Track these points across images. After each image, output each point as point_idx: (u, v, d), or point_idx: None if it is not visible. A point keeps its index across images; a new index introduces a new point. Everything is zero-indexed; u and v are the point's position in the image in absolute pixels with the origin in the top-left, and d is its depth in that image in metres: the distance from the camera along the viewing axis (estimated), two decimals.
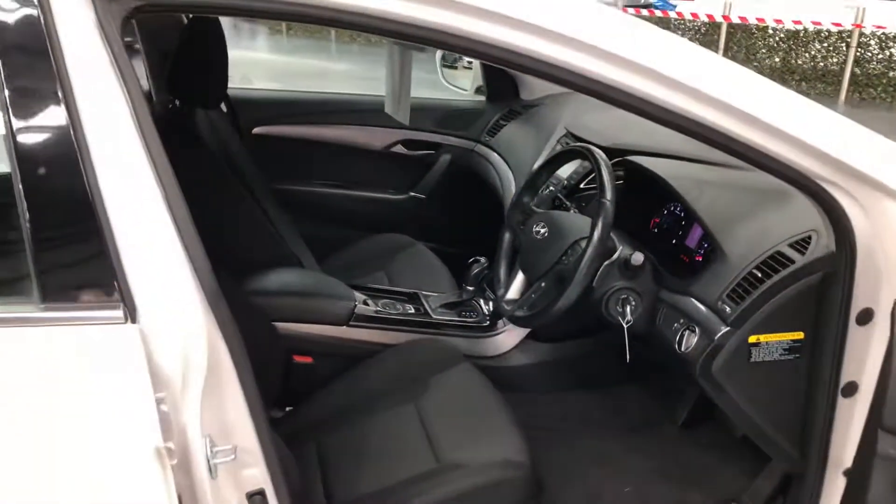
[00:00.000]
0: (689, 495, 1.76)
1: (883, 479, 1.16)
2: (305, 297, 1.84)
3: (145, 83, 2.39)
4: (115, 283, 0.90)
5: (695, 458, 1.89)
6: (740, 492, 1.72)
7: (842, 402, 1.27)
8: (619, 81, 1.03)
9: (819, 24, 9.23)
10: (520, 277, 1.66)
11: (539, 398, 2.04)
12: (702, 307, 1.40)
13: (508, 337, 1.98)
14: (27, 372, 0.88)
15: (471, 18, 0.98)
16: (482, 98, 2.76)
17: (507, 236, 1.76)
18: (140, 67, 2.38)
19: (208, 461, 0.97)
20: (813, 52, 9.47)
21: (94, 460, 0.89)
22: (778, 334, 1.31)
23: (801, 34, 9.52)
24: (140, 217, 0.92)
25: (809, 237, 1.31)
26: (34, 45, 0.88)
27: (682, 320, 1.43)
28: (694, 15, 10.36)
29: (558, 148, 2.04)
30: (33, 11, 0.88)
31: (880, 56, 9.04)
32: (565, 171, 1.90)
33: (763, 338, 1.31)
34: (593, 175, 1.84)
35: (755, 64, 9.93)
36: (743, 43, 10.10)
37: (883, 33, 8.93)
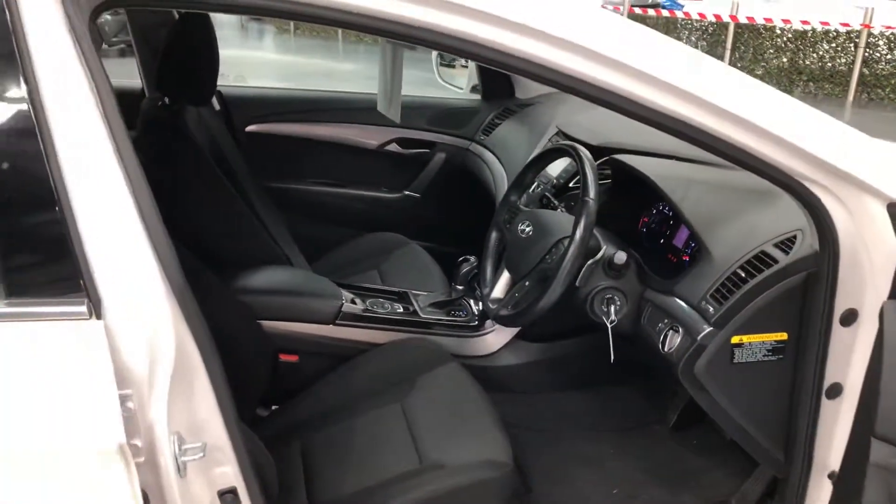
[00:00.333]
0: (678, 498, 1.74)
1: (878, 488, 1.14)
2: (292, 295, 1.83)
3: (138, 81, 2.40)
4: (80, 279, 0.90)
5: (685, 461, 1.87)
6: (730, 494, 1.70)
7: (826, 404, 1.26)
8: (605, 81, 1.02)
9: (827, 24, 9.17)
10: (505, 276, 1.65)
11: (528, 398, 2.03)
12: (686, 307, 1.39)
13: (497, 337, 1.96)
14: None
15: (466, 19, 0.97)
16: (477, 97, 2.75)
17: (493, 235, 1.74)
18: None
19: (176, 459, 0.96)
20: (821, 53, 9.40)
21: (55, 459, 0.88)
22: (761, 335, 1.30)
23: (810, 34, 9.46)
24: (105, 211, 0.91)
25: (795, 237, 1.30)
26: None
27: (666, 320, 1.42)
28: (701, 15, 10.31)
29: (549, 147, 2.02)
30: None
31: (889, 56, 8.96)
32: (555, 170, 1.89)
33: (746, 338, 1.30)
34: None
35: (763, 64, 9.88)
36: (750, 43, 10.03)
37: (892, 33, 8.85)
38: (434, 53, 2.88)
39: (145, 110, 1.92)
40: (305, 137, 2.60)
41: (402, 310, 1.95)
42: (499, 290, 1.64)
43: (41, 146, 0.88)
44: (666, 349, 1.38)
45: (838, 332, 1.20)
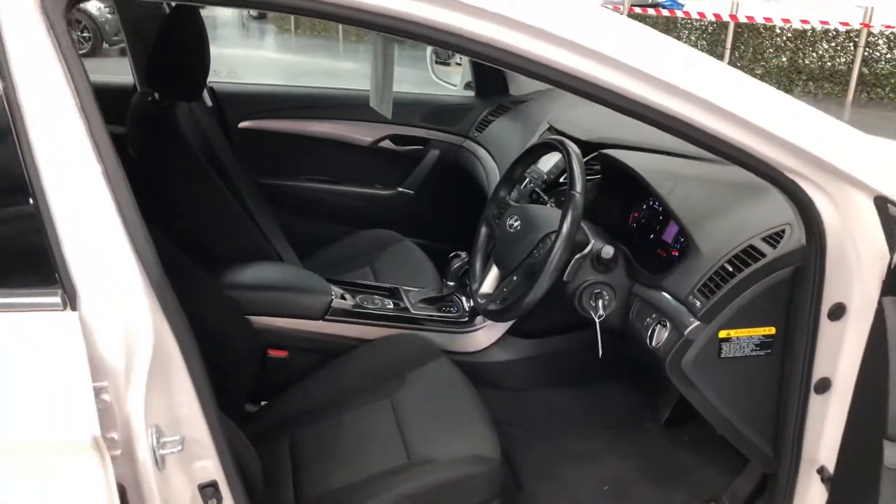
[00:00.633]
0: (669, 495, 1.73)
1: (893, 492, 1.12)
2: (281, 290, 1.82)
3: (130, 77, 2.40)
4: (54, 270, 0.89)
5: (676, 458, 1.86)
6: (721, 491, 1.69)
7: (814, 399, 1.25)
8: (592, 75, 1.01)
9: (827, 23, 9.15)
10: (494, 271, 1.64)
11: (518, 395, 2.02)
12: (673, 301, 1.38)
13: (488, 333, 1.95)
14: None
15: (465, 16, 0.96)
16: (471, 94, 2.74)
17: (483, 230, 1.74)
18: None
19: (154, 452, 0.95)
20: (821, 52, 9.38)
21: (27, 451, 0.87)
22: (749, 329, 1.29)
23: (809, 34, 9.44)
24: (81, 203, 0.90)
25: (783, 231, 1.29)
26: None
27: (653, 315, 1.41)
28: (701, 14, 10.29)
29: (537, 142, 2.01)
30: None
31: (889, 56, 8.95)
32: (545, 165, 1.88)
33: (734, 333, 1.29)
34: None
35: (762, 63, 9.86)
36: (750, 42, 10.02)
37: (892, 33, 8.84)
38: (428, 50, 2.88)
39: (135, 106, 1.92)
40: (298, 134, 2.59)
41: (392, 305, 1.94)
42: (487, 286, 1.63)
43: (14, 135, 0.87)
44: (653, 344, 1.37)
45: (826, 326, 1.19)
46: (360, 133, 2.62)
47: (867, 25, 8.76)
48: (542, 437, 1.89)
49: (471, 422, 1.52)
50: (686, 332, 1.30)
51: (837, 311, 1.17)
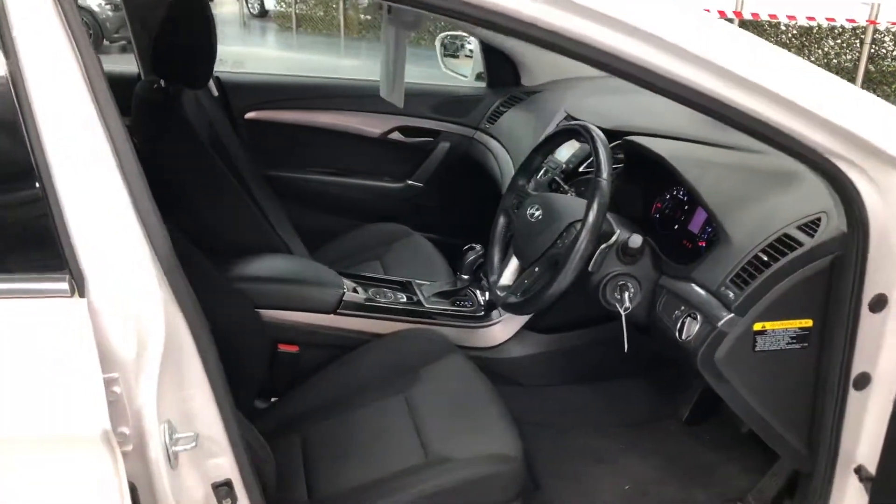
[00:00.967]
0: (691, 494, 1.68)
1: None
2: (291, 283, 1.77)
3: (135, 67, 2.34)
4: (61, 253, 0.84)
5: (698, 456, 1.81)
6: (745, 491, 1.64)
7: (853, 395, 1.20)
8: (616, 47, 0.96)
9: (833, 20, 9.08)
10: (514, 263, 1.59)
11: (535, 391, 1.96)
12: (704, 293, 1.32)
13: (504, 327, 1.90)
14: None
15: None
16: (482, 84, 2.69)
17: (500, 220, 1.68)
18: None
19: (167, 449, 0.90)
20: (826, 49, 9.32)
21: (33, 446, 0.82)
22: (785, 321, 1.23)
23: (815, 30, 9.38)
24: (90, 183, 0.85)
25: (819, 219, 1.23)
26: None
27: (682, 307, 1.35)
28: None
29: (550, 132, 1.96)
30: None
31: (895, 53, 8.89)
32: (564, 154, 1.83)
33: (769, 325, 1.23)
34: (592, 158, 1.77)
35: None
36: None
37: None
38: (438, 41, 2.82)
39: (140, 93, 1.86)
40: (306, 125, 2.53)
41: (405, 299, 1.89)
42: (507, 278, 1.58)
43: (20, 114, 0.82)
44: (683, 337, 1.32)
45: (867, 318, 1.14)
46: (369, 124, 2.57)
47: (873, 22, 8.69)
48: (559, 435, 1.84)
49: (489, 419, 1.47)
50: (719, 325, 1.25)
51: (879, 303, 1.12)
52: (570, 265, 1.32)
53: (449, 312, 1.89)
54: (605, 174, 1.35)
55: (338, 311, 1.77)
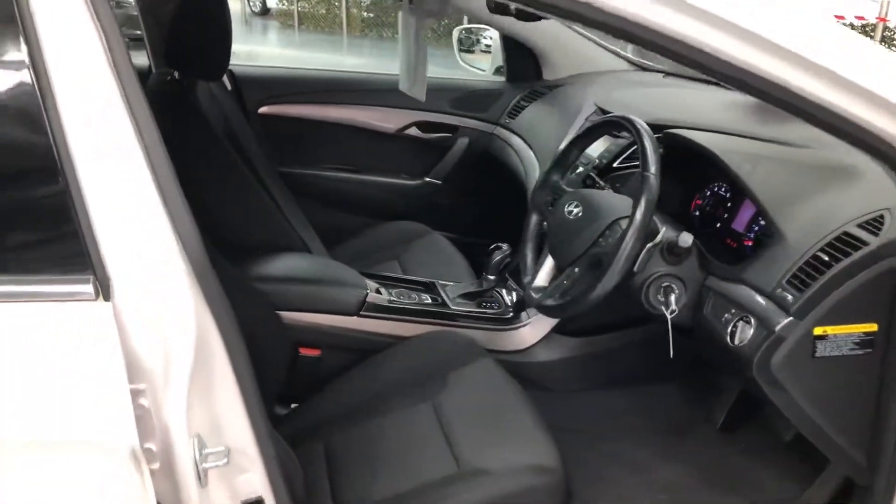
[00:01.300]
0: None
1: None
2: (313, 284, 1.69)
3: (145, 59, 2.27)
4: (85, 253, 0.76)
5: (736, 464, 1.73)
6: (789, 501, 1.57)
7: None
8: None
9: (843, 17, 9.00)
10: (549, 263, 1.51)
11: (564, 397, 1.89)
12: (757, 296, 1.25)
13: (532, 330, 1.82)
14: None
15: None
16: (501, 79, 2.61)
17: (533, 218, 1.60)
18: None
19: (196, 465, 0.83)
20: None
21: (56, 464, 0.74)
22: (847, 326, 1.16)
23: None
24: (116, 177, 0.77)
25: (882, 217, 1.16)
26: None
27: (733, 310, 1.28)
28: None
29: (588, 125, 1.88)
30: None
31: None
32: (595, 149, 1.75)
33: (830, 330, 1.16)
34: (628, 153, 1.70)
35: None
36: None
37: None
38: (454, 35, 2.75)
39: (152, 86, 1.79)
40: (321, 120, 2.46)
41: (430, 301, 1.81)
42: (542, 279, 1.50)
43: (40, 101, 0.75)
44: (736, 342, 1.24)
45: None
46: (385, 120, 2.49)
47: (883, 20, 8.64)
48: (590, 442, 1.77)
49: (524, 427, 1.40)
50: (777, 329, 1.17)
51: None
52: (616, 265, 1.24)
53: (475, 314, 1.81)
54: (653, 168, 1.27)
55: (361, 312, 1.70)
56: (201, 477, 0.83)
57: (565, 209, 1.42)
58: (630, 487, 1.65)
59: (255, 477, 0.93)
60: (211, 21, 1.66)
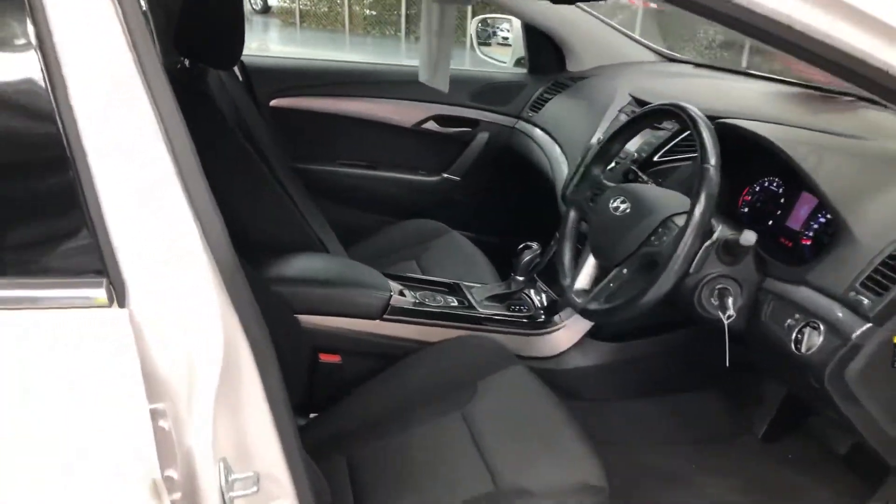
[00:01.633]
0: None
1: None
2: (334, 286, 1.59)
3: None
4: (98, 255, 0.66)
5: (780, 477, 1.63)
6: None
7: None
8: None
9: None
10: (590, 263, 1.40)
11: (598, 405, 1.78)
12: (824, 299, 1.14)
13: (565, 334, 1.72)
14: None
15: None
16: (523, 71, 2.51)
17: (571, 215, 1.49)
18: None
19: (223, 494, 0.72)
20: None
21: (64, 495, 0.64)
22: None
23: None
24: (132, 164, 0.67)
25: None
26: None
27: (797, 315, 1.17)
28: None
29: (622, 117, 1.78)
30: None
31: None
32: (633, 143, 1.64)
33: None
34: (669, 146, 1.60)
35: (779, 60, 9.62)
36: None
37: None
38: (473, 26, 2.65)
39: None
40: (335, 114, 2.35)
41: (456, 303, 1.71)
42: (583, 280, 1.39)
43: (46, 84, 0.65)
44: (803, 350, 1.13)
45: None
46: (402, 113, 2.38)
47: None
48: (627, 453, 1.67)
49: (564, 441, 1.29)
50: (854, 337, 1.07)
51: None
52: (673, 266, 1.14)
53: (505, 318, 1.71)
54: (712, 160, 1.16)
55: (384, 316, 1.60)
56: None
57: (610, 205, 1.32)
58: (669, 502, 1.55)
59: None
60: (224, 5, 1.56)
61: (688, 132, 1.56)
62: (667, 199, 1.28)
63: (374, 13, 13.31)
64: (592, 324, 1.70)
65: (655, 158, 1.59)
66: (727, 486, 1.60)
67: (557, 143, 2.08)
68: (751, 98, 1.67)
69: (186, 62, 1.67)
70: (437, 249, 2.09)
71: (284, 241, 1.69)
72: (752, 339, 1.28)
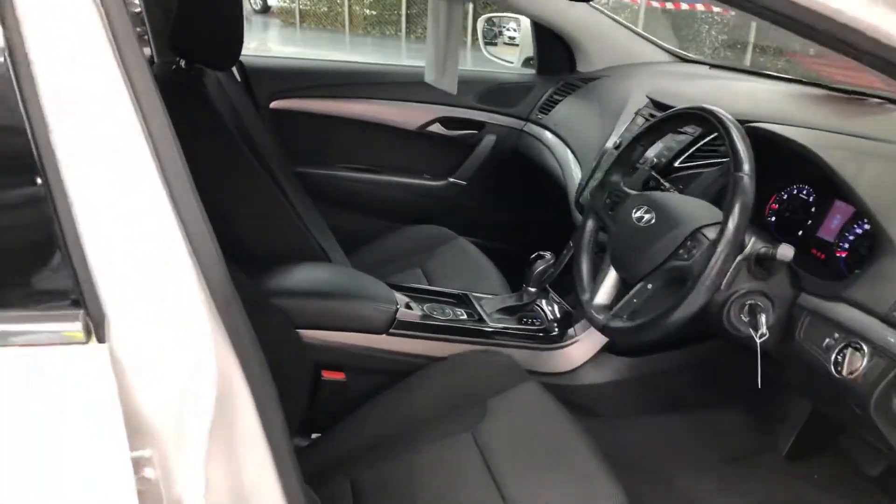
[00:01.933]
0: None
1: None
2: (337, 298, 1.51)
3: (146, 49, 2.08)
4: (73, 282, 0.58)
5: (806, 497, 1.55)
6: None
7: None
8: None
9: None
10: (611, 277, 1.32)
11: (614, 423, 1.70)
12: (868, 318, 1.06)
13: (580, 348, 1.63)
14: None
15: None
16: (531, 71, 2.43)
17: (589, 224, 1.41)
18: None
19: None
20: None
21: None
22: None
23: None
24: (111, 175, 0.59)
25: None
26: None
27: (836, 334, 1.09)
28: (724, 11, 9.97)
29: (639, 120, 1.69)
30: None
31: None
32: (651, 149, 1.56)
33: None
34: (690, 151, 1.52)
35: (786, 59, 9.56)
36: (773, 37, 9.71)
37: None
38: (480, 25, 2.57)
39: (156, 75, 1.60)
40: (337, 116, 2.28)
41: (465, 316, 1.63)
42: (603, 295, 1.30)
43: (16, 89, 0.57)
44: (844, 373, 1.05)
45: None
46: (407, 115, 2.31)
47: None
48: (645, 473, 1.59)
49: (582, 464, 1.22)
50: None
51: None
52: (704, 282, 1.06)
53: (517, 331, 1.63)
54: (746, 167, 1.08)
55: (390, 330, 1.52)
56: None
57: (633, 215, 1.24)
58: None
59: None
60: (222, 4, 1.48)
61: (711, 137, 1.48)
62: (695, 209, 1.20)
63: (374, 13, 13.25)
64: (608, 338, 1.62)
65: (676, 164, 1.51)
66: None
67: (569, 146, 2.01)
68: (775, 100, 1.59)
69: (182, 63, 1.59)
70: (443, 256, 2.01)
71: (284, 249, 1.61)
72: (786, 358, 1.20)
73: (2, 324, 0.56)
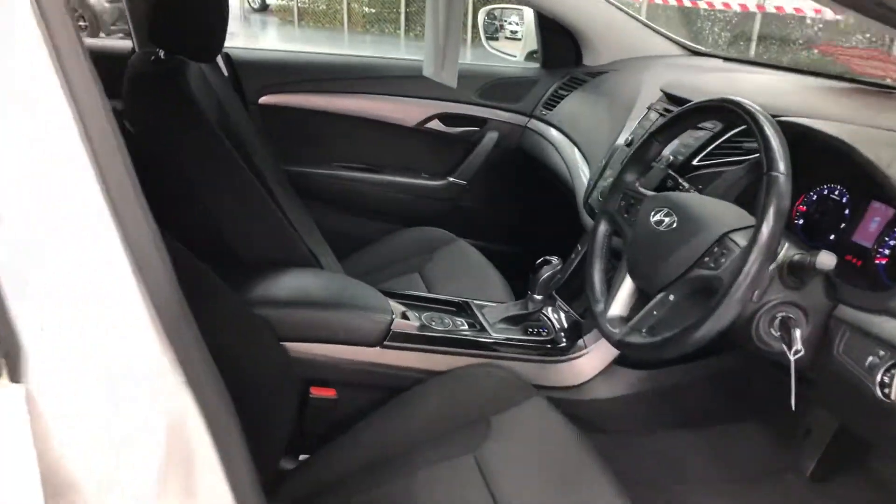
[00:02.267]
0: None
1: None
2: (327, 308, 1.40)
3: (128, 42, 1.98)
4: None
5: None
6: None
7: None
8: None
9: None
10: (627, 286, 1.20)
11: (624, 440, 1.60)
12: None
13: (590, 361, 1.53)
14: None
15: None
16: (535, 65, 2.33)
17: (601, 228, 1.30)
18: None
19: None
20: (854, 43, 9.01)
21: None
22: None
23: (840, 25, 9.06)
24: (35, 179, 0.48)
25: None
26: None
27: (881, 352, 0.97)
28: (726, 5, 9.89)
29: (652, 115, 1.58)
30: None
31: None
32: (667, 146, 1.45)
33: None
34: (709, 148, 1.40)
35: (790, 56, 9.48)
36: (778, 34, 9.63)
37: None
38: (481, 17, 2.46)
39: (134, 66, 1.50)
40: (330, 112, 2.18)
41: (465, 326, 1.52)
42: (619, 307, 1.18)
43: None
44: (893, 396, 0.94)
45: None
46: (404, 112, 2.21)
47: None
48: (659, 493, 1.50)
49: (589, 483, 1.14)
50: None
51: None
52: (736, 293, 0.94)
53: (522, 343, 1.52)
54: (781, 166, 0.97)
55: (385, 342, 1.41)
56: None
57: (651, 218, 1.12)
58: None
59: None
60: None
61: (734, 132, 1.37)
62: (721, 213, 1.08)
63: (373, 11, 13.17)
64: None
65: (694, 162, 1.40)
66: None
67: (576, 143, 1.90)
68: (799, 93, 1.48)
69: (162, 53, 1.48)
70: (442, 260, 1.91)
71: (270, 254, 1.51)
72: (820, 376, 1.09)
73: None
